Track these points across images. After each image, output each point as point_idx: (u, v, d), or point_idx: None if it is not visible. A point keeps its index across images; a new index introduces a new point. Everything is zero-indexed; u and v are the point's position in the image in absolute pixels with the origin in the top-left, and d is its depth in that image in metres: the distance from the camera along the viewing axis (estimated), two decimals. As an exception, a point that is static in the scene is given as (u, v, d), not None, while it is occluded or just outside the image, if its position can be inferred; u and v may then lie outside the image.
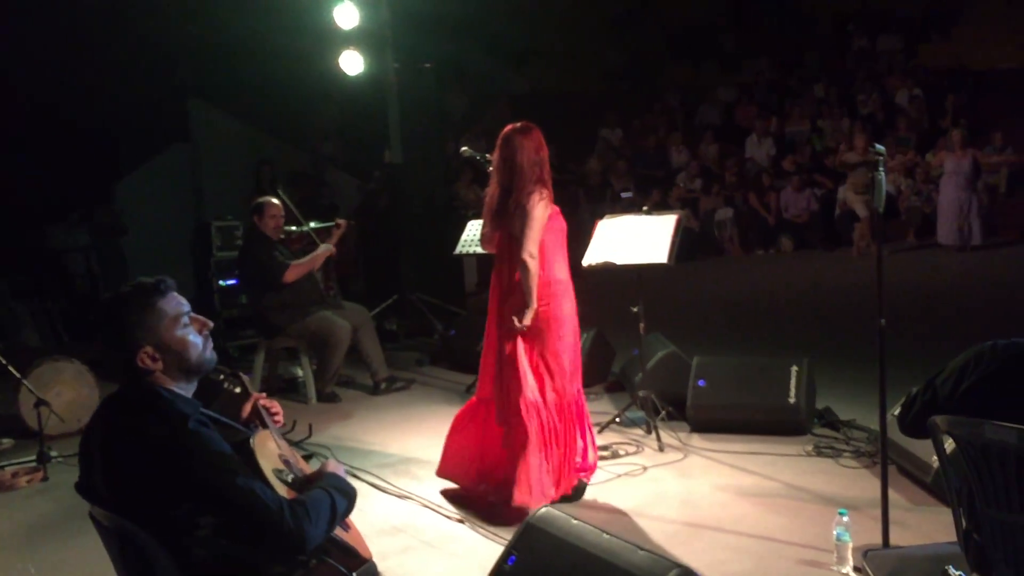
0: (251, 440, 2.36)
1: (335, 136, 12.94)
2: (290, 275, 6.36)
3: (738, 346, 7.57)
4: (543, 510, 3.26)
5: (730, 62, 17.76)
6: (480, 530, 4.13)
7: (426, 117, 9.25)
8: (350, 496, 2.39)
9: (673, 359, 5.76)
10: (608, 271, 5.22)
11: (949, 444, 2.54)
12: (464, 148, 5.75)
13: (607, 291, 7.24)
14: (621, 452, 5.08)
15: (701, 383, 5.37)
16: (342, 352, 6.48)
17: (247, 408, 2.65)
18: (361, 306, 7.08)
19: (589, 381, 6.50)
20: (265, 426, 2.59)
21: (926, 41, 16.61)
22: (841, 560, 3.51)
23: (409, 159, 9.08)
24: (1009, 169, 12.66)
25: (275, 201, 6.56)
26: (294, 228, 6.89)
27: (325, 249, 6.68)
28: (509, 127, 4.44)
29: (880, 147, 3.47)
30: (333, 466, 2.55)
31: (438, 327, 8.31)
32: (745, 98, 16.59)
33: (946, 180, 11.94)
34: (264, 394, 2.73)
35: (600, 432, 5.44)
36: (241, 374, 2.76)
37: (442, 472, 4.61)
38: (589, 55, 17.84)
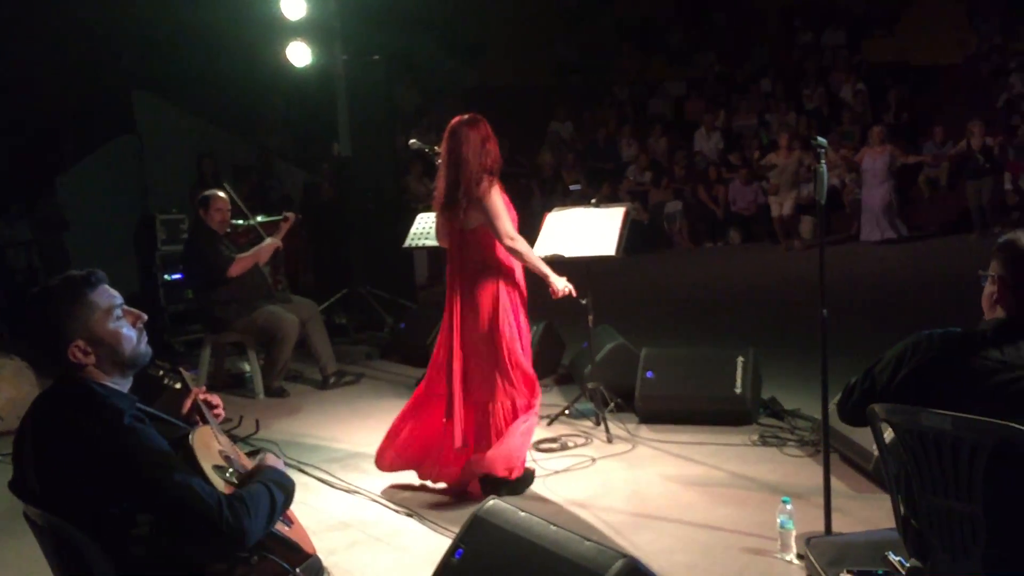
0: (190, 436, 2.32)
1: (283, 128, 12.79)
2: (235, 269, 6.28)
3: (686, 337, 7.64)
4: (491, 502, 3.26)
5: (679, 56, 17.90)
6: (429, 523, 4.12)
7: (375, 110, 9.17)
8: (288, 490, 2.36)
9: (622, 351, 5.79)
10: (557, 263, 5.22)
11: (888, 432, 2.59)
12: (413, 141, 5.68)
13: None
14: (570, 444, 5.10)
15: (649, 374, 5.40)
16: (290, 347, 6.41)
17: (187, 403, 2.60)
18: (310, 300, 7.01)
19: (539, 373, 6.55)
20: (206, 422, 2.55)
21: (870, 36, 16.89)
22: (785, 548, 3.56)
23: (358, 152, 9.00)
24: (949, 164, 12.91)
25: (221, 194, 6.46)
26: (241, 222, 6.79)
27: (271, 242, 6.61)
28: (456, 119, 4.43)
29: (822, 140, 3.52)
30: (272, 460, 2.52)
31: (388, 321, 8.26)
32: (694, 92, 16.75)
33: (867, 177, 12.25)
34: (204, 388, 2.68)
35: (550, 424, 5.47)
36: (181, 369, 2.72)
37: (387, 465, 4.57)
38: (540, 48, 17.86)
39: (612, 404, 5.46)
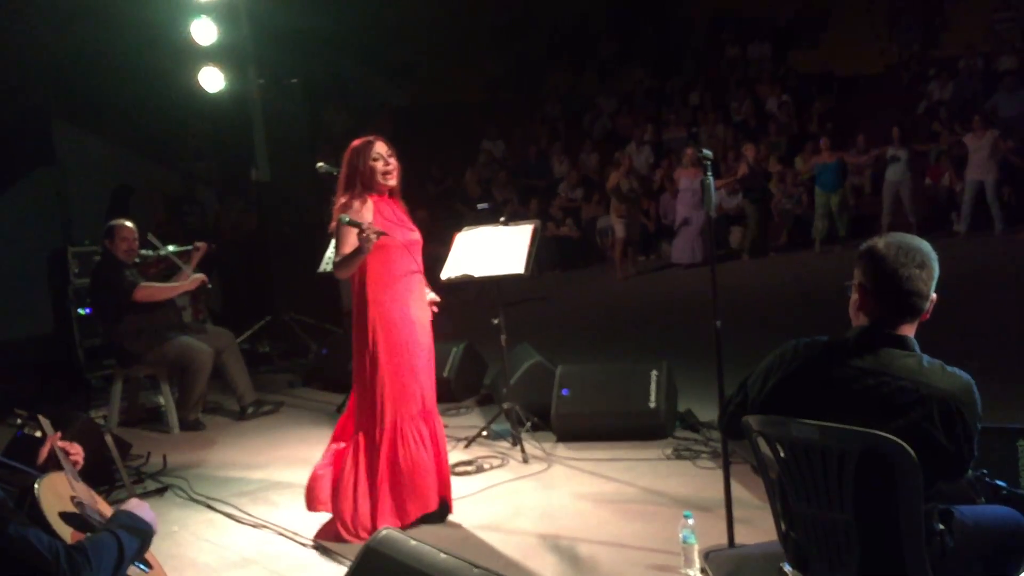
0: (36, 484, 2.22)
1: (208, 155, 12.59)
2: (140, 294, 6.12)
3: (610, 353, 7.64)
4: (383, 533, 3.19)
5: (609, 70, 18.04)
6: (335, 556, 4.01)
7: (295, 134, 9.06)
8: (144, 533, 2.26)
9: (539, 369, 5.75)
10: (471, 284, 5.19)
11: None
12: (320, 164, 5.62)
13: (478, 304, 7.22)
14: (485, 466, 5.04)
15: (565, 392, 5.37)
16: (204, 378, 6.27)
17: (44, 451, 2.50)
18: (225, 330, 6.87)
19: (460, 395, 6.50)
20: (61, 468, 2.45)
21: (795, 48, 17.20)
22: (688, 563, 3.53)
23: (277, 176, 8.87)
24: (872, 170, 13.18)
25: (127, 224, 6.32)
26: (150, 252, 6.65)
27: (191, 282, 6.47)
28: (358, 142, 4.27)
29: (708, 152, 3.52)
30: (134, 504, 2.42)
31: (312, 347, 8.13)
32: (625, 106, 16.87)
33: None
34: (59, 434, 2.58)
35: (467, 446, 5.41)
36: (40, 416, 2.61)
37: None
38: (471, 66, 17.88)
39: (529, 423, 5.42)
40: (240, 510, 4.67)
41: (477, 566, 2.82)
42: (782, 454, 2.43)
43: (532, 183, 15.05)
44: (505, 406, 5.34)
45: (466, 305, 4.61)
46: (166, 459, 5.39)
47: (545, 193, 14.58)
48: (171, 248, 6.86)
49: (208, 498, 4.87)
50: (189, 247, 6.80)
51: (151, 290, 6.20)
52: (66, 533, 2.13)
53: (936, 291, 2.41)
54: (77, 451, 2.55)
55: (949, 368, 2.33)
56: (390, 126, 16.40)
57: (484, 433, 5.48)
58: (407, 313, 4.15)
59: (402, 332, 4.10)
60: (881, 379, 2.32)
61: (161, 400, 6.56)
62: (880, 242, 2.41)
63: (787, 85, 15.77)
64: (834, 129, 14.32)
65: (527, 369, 5.75)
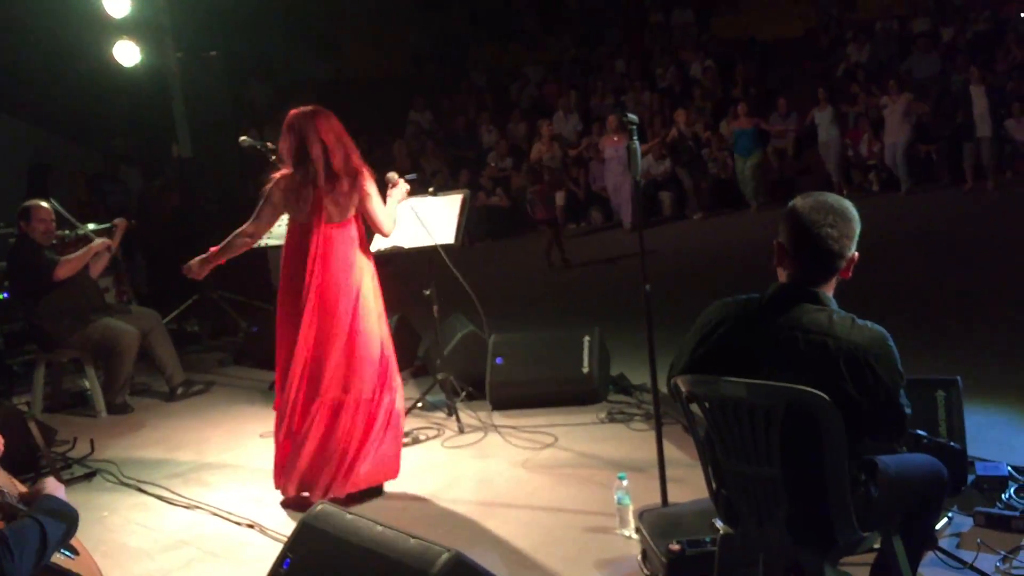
0: (-47, 472, 2.15)
1: (126, 132, 12.25)
2: (62, 271, 5.94)
3: (544, 321, 7.67)
4: (319, 507, 3.18)
5: (535, 40, 17.97)
6: (271, 534, 3.97)
7: (217, 108, 8.86)
8: (69, 518, 2.21)
9: (472, 339, 5.74)
10: (399, 255, 5.16)
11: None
12: (243, 138, 5.55)
13: (409, 273, 7.18)
14: (422, 437, 5.04)
15: (499, 361, 5.38)
16: (130, 360, 6.13)
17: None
18: (151, 310, 6.71)
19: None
20: None
21: (717, 14, 17.33)
22: (623, 523, 3.59)
23: (199, 152, 8.66)
24: (795, 134, 13.40)
25: (43, 204, 6.12)
26: (67, 232, 6.46)
27: (100, 243, 6.30)
28: (294, 112, 4.21)
29: (633, 117, 3.54)
30: (52, 487, 2.36)
31: (242, 325, 8.00)
32: (552, 76, 16.84)
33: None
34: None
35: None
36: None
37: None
38: (396, 39, 17.64)
39: (463, 393, 5.42)
40: (172, 492, 4.60)
41: (414, 536, 2.84)
42: (711, 413, 2.47)
43: (461, 154, 14.96)
44: (439, 377, 5.34)
45: (396, 278, 4.60)
46: (93, 443, 5.28)
47: (474, 164, 14.51)
48: (90, 227, 6.67)
49: (139, 481, 4.78)
50: (108, 225, 6.62)
51: (71, 263, 6.01)
52: (-15, 522, 2.07)
53: (858, 250, 2.46)
54: None
55: (860, 321, 2.37)
56: (314, 100, 16.11)
57: (419, 405, 5.48)
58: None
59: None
60: (792, 334, 2.37)
61: (87, 384, 6.39)
62: (800, 201, 2.45)
63: (710, 51, 15.90)
64: (757, 94, 14.52)
65: (460, 339, 5.74)
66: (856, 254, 2.46)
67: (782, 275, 2.49)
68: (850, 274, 2.48)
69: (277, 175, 4.21)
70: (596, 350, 5.25)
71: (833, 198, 2.46)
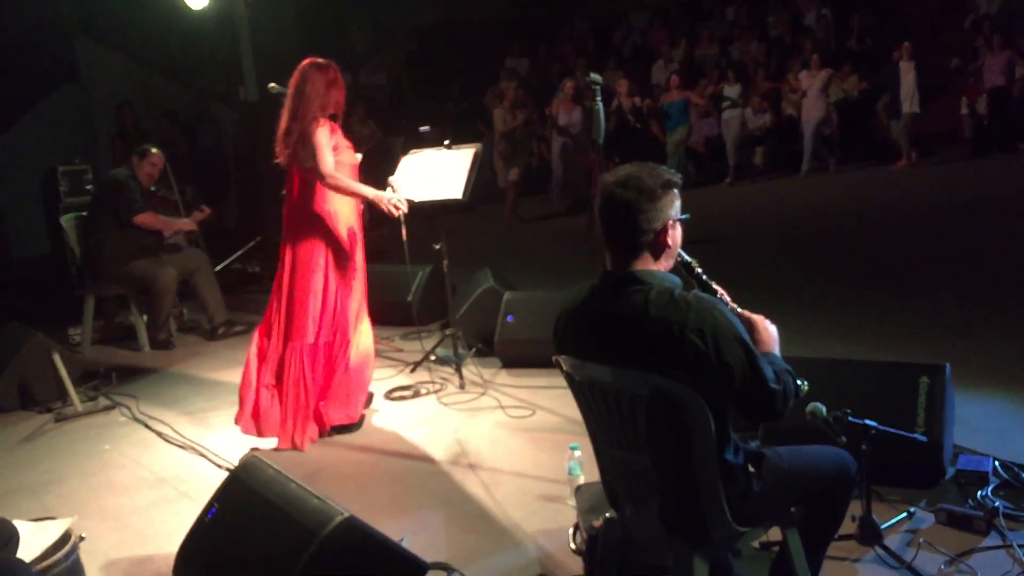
0: None
1: (220, 71, 12.54)
2: (142, 218, 6.32)
3: (568, 280, 7.50)
4: (248, 459, 3.24)
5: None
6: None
7: (288, 52, 8.94)
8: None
9: (490, 295, 5.68)
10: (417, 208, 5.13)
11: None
12: (272, 84, 5.57)
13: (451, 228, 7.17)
14: (423, 391, 5.05)
15: (510, 319, 5.31)
16: (167, 299, 6.36)
17: None
18: (198, 250, 6.94)
19: (426, 319, 6.48)
20: None
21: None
22: (572, 495, 3.49)
23: (267, 95, 8.76)
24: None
25: (158, 152, 6.51)
26: (162, 189, 6.84)
27: (184, 222, 6.77)
28: (308, 61, 4.53)
29: (596, 76, 3.37)
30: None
31: (300, 268, 8.15)
32: (658, 21, 16.31)
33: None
34: None
35: (412, 371, 5.42)
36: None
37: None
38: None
39: (472, 350, 5.38)
40: (174, 430, 4.76)
41: (318, 497, 2.86)
42: (583, 394, 2.36)
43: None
44: (448, 331, 5.31)
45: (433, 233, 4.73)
46: (114, 375, 5.50)
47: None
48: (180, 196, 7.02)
49: (149, 417, 4.97)
50: (196, 208, 6.97)
51: (153, 221, 6.41)
52: None
53: (678, 216, 2.29)
54: None
55: (680, 293, 2.18)
56: (413, 45, 16.15)
57: (432, 358, 5.47)
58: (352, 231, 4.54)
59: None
60: (607, 322, 2.25)
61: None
62: (606, 178, 2.29)
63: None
64: (874, 45, 13.67)
65: (479, 295, 5.69)
66: (672, 221, 2.26)
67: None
68: (672, 244, 2.29)
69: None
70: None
71: (637, 167, 2.26)
